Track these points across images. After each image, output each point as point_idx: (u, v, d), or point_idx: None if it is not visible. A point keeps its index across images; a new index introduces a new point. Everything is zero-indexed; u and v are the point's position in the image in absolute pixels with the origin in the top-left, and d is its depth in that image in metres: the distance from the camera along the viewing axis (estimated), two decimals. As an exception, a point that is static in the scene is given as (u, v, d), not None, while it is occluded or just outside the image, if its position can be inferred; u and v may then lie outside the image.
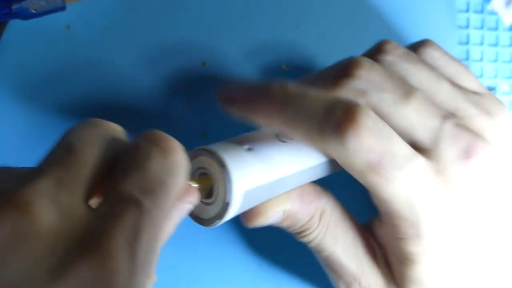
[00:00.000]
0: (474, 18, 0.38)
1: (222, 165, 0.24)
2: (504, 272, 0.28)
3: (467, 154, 0.27)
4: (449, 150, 0.27)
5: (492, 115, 0.29)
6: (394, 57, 0.29)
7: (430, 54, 0.30)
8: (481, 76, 0.38)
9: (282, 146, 0.27)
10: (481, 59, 0.38)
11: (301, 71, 0.30)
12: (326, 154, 0.27)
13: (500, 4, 0.39)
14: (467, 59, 0.38)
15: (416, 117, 0.27)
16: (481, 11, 0.39)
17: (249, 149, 0.25)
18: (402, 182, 0.26)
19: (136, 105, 0.34)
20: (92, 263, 0.18)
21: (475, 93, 0.30)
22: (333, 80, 0.27)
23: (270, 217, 0.27)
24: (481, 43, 0.38)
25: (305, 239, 0.29)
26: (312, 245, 0.29)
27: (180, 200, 0.23)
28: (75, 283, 0.17)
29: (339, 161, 0.26)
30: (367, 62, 0.28)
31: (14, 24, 0.33)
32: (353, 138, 0.25)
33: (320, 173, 0.28)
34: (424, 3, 0.38)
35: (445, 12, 0.38)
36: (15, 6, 0.30)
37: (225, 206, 0.24)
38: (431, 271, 0.27)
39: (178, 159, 0.22)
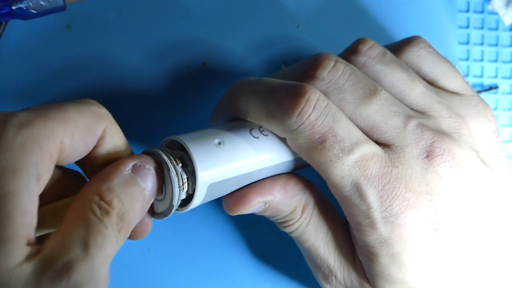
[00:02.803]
0: (475, 18, 0.38)
1: (190, 158, 0.25)
2: (473, 267, 0.28)
3: (428, 153, 0.27)
4: (411, 147, 0.27)
5: (466, 117, 0.29)
6: (367, 58, 0.29)
7: (416, 52, 0.31)
8: (481, 76, 0.38)
9: (253, 142, 0.27)
10: (482, 59, 0.38)
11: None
12: (277, 134, 0.27)
13: (500, 4, 0.39)
14: (467, 59, 0.38)
15: (378, 117, 0.27)
16: (482, 11, 0.39)
17: (219, 143, 0.26)
18: (348, 166, 0.26)
19: (135, 104, 0.34)
20: None
21: (456, 93, 0.30)
22: (305, 80, 0.28)
23: (251, 207, 0.28)
24: (482, 43, 0.38)
25: (286, 229, 0.29)
26: (293, 235, 0.29)
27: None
28: None
29: (288, 142, 0.27)
30: (330, 61, 0.28)
31: (14, 24, 0.33)
32: (295, 115, 0.26)
33: (290, 168, 0.29)
34: (424, 3, 0.38)
35: (445, 12, 0.38)
36: (15, 6, 0.30)
37: (190, 196, 0.26)
38: (395, 264, 0.27)
39: None
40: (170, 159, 0.25)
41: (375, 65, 0.29)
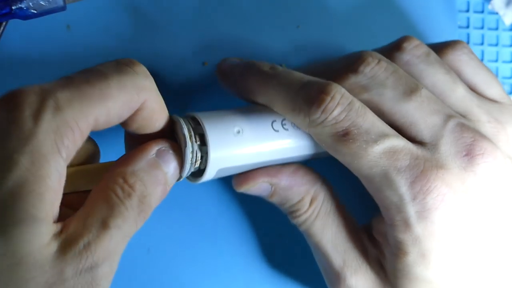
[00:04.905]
0: (475, 18, 0.38)
1: (207, 145, 0.26)
2: (498, 271, 0.28)
3: (468, 151, 0.27)
4: (449, 145, 0.27)
5: (505, 124, 0.29)
6: (411, 56, 0.29)
7: (459, 57, 0.31)
8: (481, 76, 0.38)
9: (272, 135, 0.28)
10: (482, 59, 0.38)
11: (301, 71, 0.30)
12: (303, 129, 0.28)
13: (500, 4, 0.39)
14: (467, 59, 0.38)
15: (417, 113, 0.27)
16: (482, 11, 0.39)
17: (238, 132, 0.27)
18: (375, 156, 0.26)
19: (136, 105, 0.34)
20: (4, 106, 0.22)
21: (495, 101, 0.30)
22: (338, 73, 0.28)
23: (256, 184, 0.28)
24: (482, 43, 0.38)
25: (295, 221, 0.29)
26: (302, 228, 0.29)
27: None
28: None
29: (313, 136, 0.27)
30: (374, 59, 0.28)
31: (14, 24, 0.33)
32: (320, 111, 0.26)
33: (302, 160, 0.30)
34: (424, 3, 0.38)
35: (445, 12, 0.38)
36: (15, 6, 0.30)
37: (200, 173, 0.27)
38: (422, 263, 0.26)
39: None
40: (191, 135, 0.26)
41: (419, 64, 0.29)
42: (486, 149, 0.27)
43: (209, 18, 0.35)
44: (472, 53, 0.31)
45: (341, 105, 0.26)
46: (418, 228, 0.26)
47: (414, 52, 0.29)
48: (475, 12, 0.38)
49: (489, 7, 0.39)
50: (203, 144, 0.27)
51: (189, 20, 0.35)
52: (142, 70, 0.25)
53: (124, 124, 0.26)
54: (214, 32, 0.35)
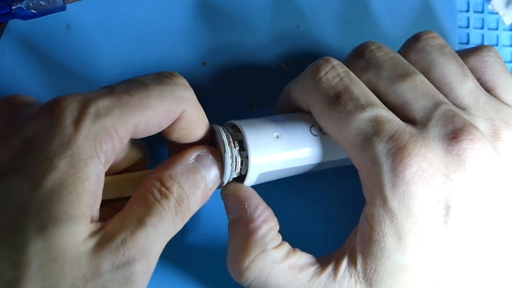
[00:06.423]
0: (475, 18, 0.38)
1: (246, 149, 0.27)
2: (478, 259, 0.27)
3: (456, 134, 0.26)
4: (438, 128, 0.26)
5: (511, 125, 0.28)
6: (425, 44, 0.30)
7: (483, 57, 0.31)
8: (481, 76, 0.38)
9: (311, 139, 0.28)
10: (482, 59, 0.38)
11: (301, 71, 0.31)
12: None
13: (500, 4, 0.39)
14: (467, 59, 0.38)
15: (410, 94, 0.27)
16: (482, 11, 0.39)
17: (278, 137, 0.28)
18: (361, 123, 0.26)
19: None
20: (48, 113, 0.24)
21: (509, 106, 0.29)
22: (349, 60, 0.30)
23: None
24: (482, 43, 0.38)
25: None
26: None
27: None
28: (36, 124, 0.23)
29: (312, 110, 0.28)
30: (375, 45, 0.29)
31: (14, 24, 0.33)
32: (314, 71, 0.28)
33: (334, 165, 0.30)
34: (424, 3, 0.38)
35: (445, 12, 0.38)
36: (15, 6, 0.30)
37: (243, 176, 0.28)
38: (399, 248, 0.25)
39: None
40: (229, 141, 0.27)
41: (431, 52, 0.29)
42: (475, 135, 0.26)
43: (209, 18, 0.35)
44: (499, 57, 0.31)
45: (335, 69, 0.28)
46: (394, 201, 0.25)
47: (428, 41, 0.30)
48: (475, 12, 0.38)
49: (489, 7, 0.39)
50: (242, 150, 0.27)
51: (189, 19, 0.35)
52: (182, 81, 0.26)
53: (165, 133, 0.26)
54: (214, 32, 0.35)
